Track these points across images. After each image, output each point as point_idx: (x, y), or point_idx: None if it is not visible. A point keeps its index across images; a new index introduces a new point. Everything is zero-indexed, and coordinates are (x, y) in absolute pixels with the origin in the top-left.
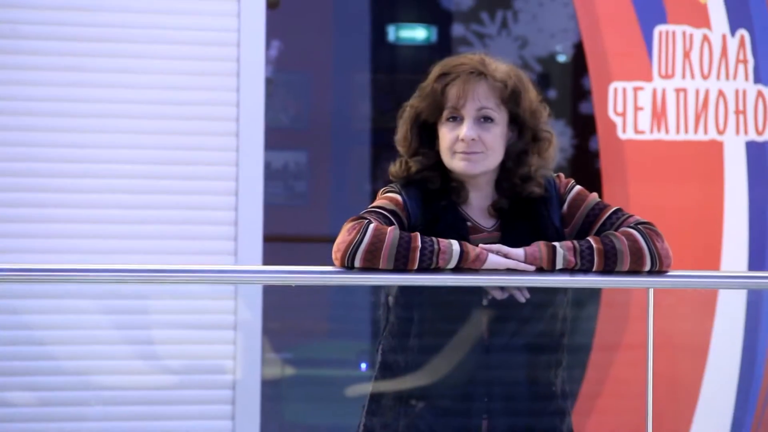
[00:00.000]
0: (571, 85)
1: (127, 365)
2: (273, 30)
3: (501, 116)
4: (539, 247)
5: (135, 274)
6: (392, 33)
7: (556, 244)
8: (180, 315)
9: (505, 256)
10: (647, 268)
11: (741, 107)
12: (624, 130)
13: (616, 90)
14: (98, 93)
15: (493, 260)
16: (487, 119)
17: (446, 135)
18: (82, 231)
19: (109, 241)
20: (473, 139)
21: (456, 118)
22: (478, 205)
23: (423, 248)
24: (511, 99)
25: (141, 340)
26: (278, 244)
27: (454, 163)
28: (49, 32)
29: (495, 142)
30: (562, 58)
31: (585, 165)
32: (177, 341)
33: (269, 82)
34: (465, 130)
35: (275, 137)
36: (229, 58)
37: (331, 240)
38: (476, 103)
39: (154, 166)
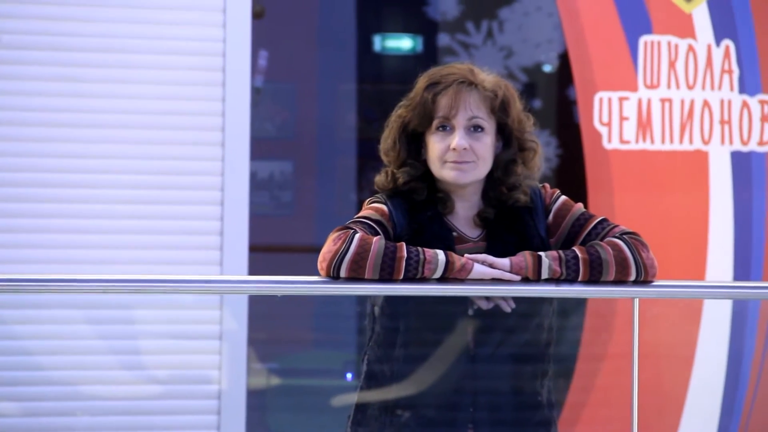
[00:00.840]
0: (556, 95)
1: (113, 375)
2: (259, 40)
3: (490, 126)
4: (525, 257)
5: (120, 284)
6: (378, 43)
7: (542, 254)
8: (165, 325)
9: (491, 266)
10: (632, 277)
11: (726, 117)
12: (609, 140)
13: (601, 100)
14: (82, 103)
15: (479, 270)
16: (478, 128)
17: (436, 145)
18: (67, 241)
19: (95, 251)
20: (465, 149)
21: (446, 128)
22: (463, 216)
23: (408, 258)
24: (500, 109)
25: (127, 351)
26: (264, 254)
27: (445, 172)
28: (35, 42)
29: (485, 151)
30: (547, 68)
31: (570, 175)
32: (162, 351)
33: (257, 92)
34: (457, 139)
35: (261, 147)
36: (215, 68)
37: (317, 250)
38: (467, 112)
39: (140, 176)
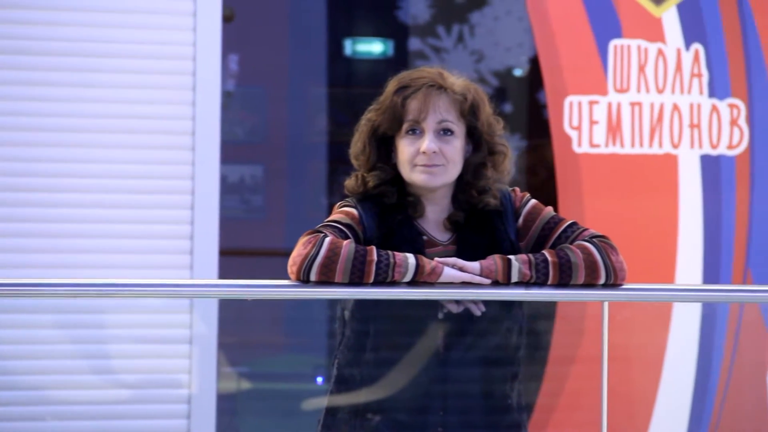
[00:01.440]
0: (526, 99)
1: (82, 380)
2: (229, 44)
3: (460, 129)
4: (495, 261)
5: (90, 288)
6: (349, 47)
7: (512, 257)
8: (135, 329)
9: (461, 269)
10: (602, 281)
11: (695, 121)
12: (579, 144)
13: (571, 104)
14: (52, 107)
15: (449, 274)
16: (448, 132)
17: (406, 148)
18: (36, 245)
19: (64, 255)
20: (434, 152)
21: (416, 131)
22: (433, 219)
23: (379, 262)
24: (470, 112)
25: (96, 355)
26: (234, 257)
27: (415, 176)
28: (2, 47)
29: (455, 154)
30: (518, 72)
31: (540, 178)
32: (132, 355)
33: (228, 96)
34: (426, 142)
35: (231, 151)
36: (185, 72)
37: (288, 253)
38: (437, 116)
39: (110, 180)
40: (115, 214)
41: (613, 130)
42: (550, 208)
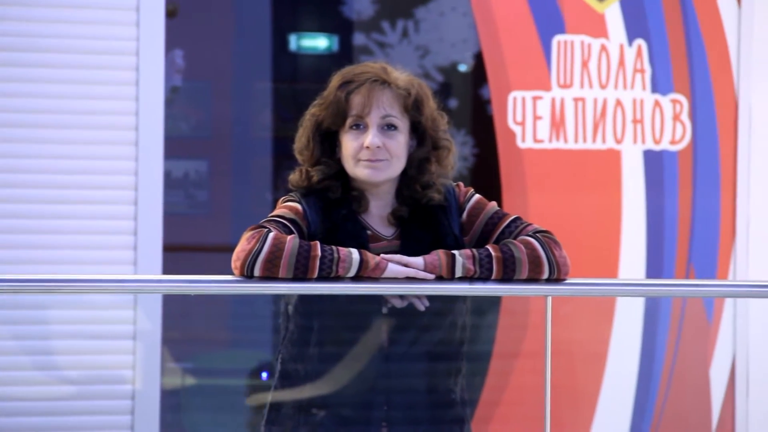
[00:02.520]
0: (471, 95)
1: (25, 376)
2: (172, 39)
3: (404, 124)
4: (438, 256)
5: (33, 284)
6: (293, 42)
7: (456, 252)
8: (79, 325)
9: (405, 264)
10: (545, 275)
11: (638, 116)
12: (523, 139)
13: (515, 99)
14: None
15: (393, 269)
16: (391, 127)
17: (350, 143)
18: None
19: (7, 251)
20: (378, 147)
21: (360, 126)
22: (378, 214)
23: (323, 257)
24: (414, 107)
25: (39, 351)
26: (178, 253)
27: (359, 170)
28: None
29: (399, 149)
30: (462, 68)
31: (485, 174)
32: (76, 351)
33: (174, 91)
34: (370, 137)
35: (175, 146)
36: (128, 67)
37: (232, 249)
38: (381, 111)
39: (53, 176)
40: (58, 210)
41: (557, 125)
42: (494, 203)
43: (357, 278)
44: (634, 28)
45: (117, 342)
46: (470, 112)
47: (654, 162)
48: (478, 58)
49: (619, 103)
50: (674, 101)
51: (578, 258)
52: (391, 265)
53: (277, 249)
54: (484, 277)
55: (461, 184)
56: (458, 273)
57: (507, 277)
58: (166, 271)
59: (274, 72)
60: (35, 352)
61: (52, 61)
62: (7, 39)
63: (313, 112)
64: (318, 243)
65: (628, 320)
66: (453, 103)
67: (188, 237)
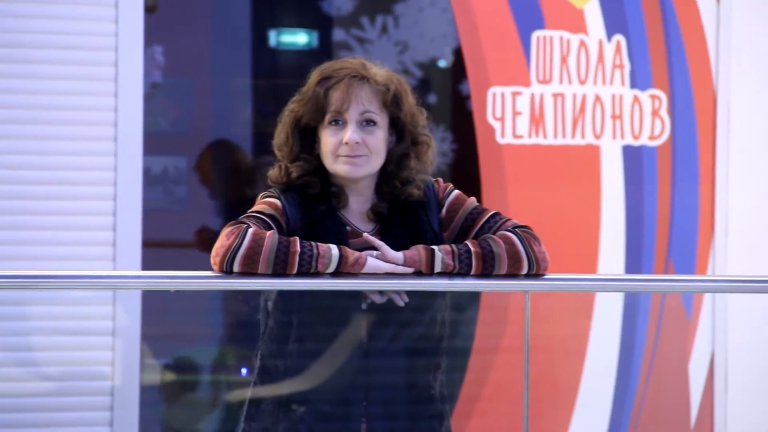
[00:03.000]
0: (450, 90)
1: (4, 372)
2: (152, 35)
3: (383, 120)
4: (418, 251)
5: (12, 280)
6: (273, 38)
7: (435, 247)
8: (58, 321)
9: (384, 259)
10: (524, 271)
11: (617, 112)
12: (503, 135)
13: (494, 95)
14: None
15: (372, 264)
16: (370, 122)
17: (329, 139)
18: None
19: None
20: (357, 143)
21: (339, 122)
22: (357, 210)
23: (302, 252)
24: (393, 102)
25: (18, 347)
26: (157, 249)
27: (338, 166)
28: None
29: (378, 145)
30: (442, 63)
31: (464, 169)
32: (55, 347)
33: (153, 86)
34: (349, 133)
35: (155, 142)
36: (107, 63)
37: (212, 245)
38: (360, 106)
39: (32, 171)
40: (37, 206)
41: (536, 121)
42: (473, 199)
43: (336, 274)
44: (613, 24)
45: (96, 338)
46: (449, 107)
47: (633, 157)
48: (458, 54)
49: (598, 98)
50: (653, 97)
51: (557, 253)
52: (370, 261)
53: (257, 245)
54: (464, 273)
55: (440, 179)
56: (437, 268)
57: (486, 272)
58: (144, 267)
59: (254, 68)
60: (14, 348)
61: (31, 56)
62: None
63: (292, 108)
64: (297, 239)
65: (607, 315)
66: (432, 98)
67: (167, 233)
